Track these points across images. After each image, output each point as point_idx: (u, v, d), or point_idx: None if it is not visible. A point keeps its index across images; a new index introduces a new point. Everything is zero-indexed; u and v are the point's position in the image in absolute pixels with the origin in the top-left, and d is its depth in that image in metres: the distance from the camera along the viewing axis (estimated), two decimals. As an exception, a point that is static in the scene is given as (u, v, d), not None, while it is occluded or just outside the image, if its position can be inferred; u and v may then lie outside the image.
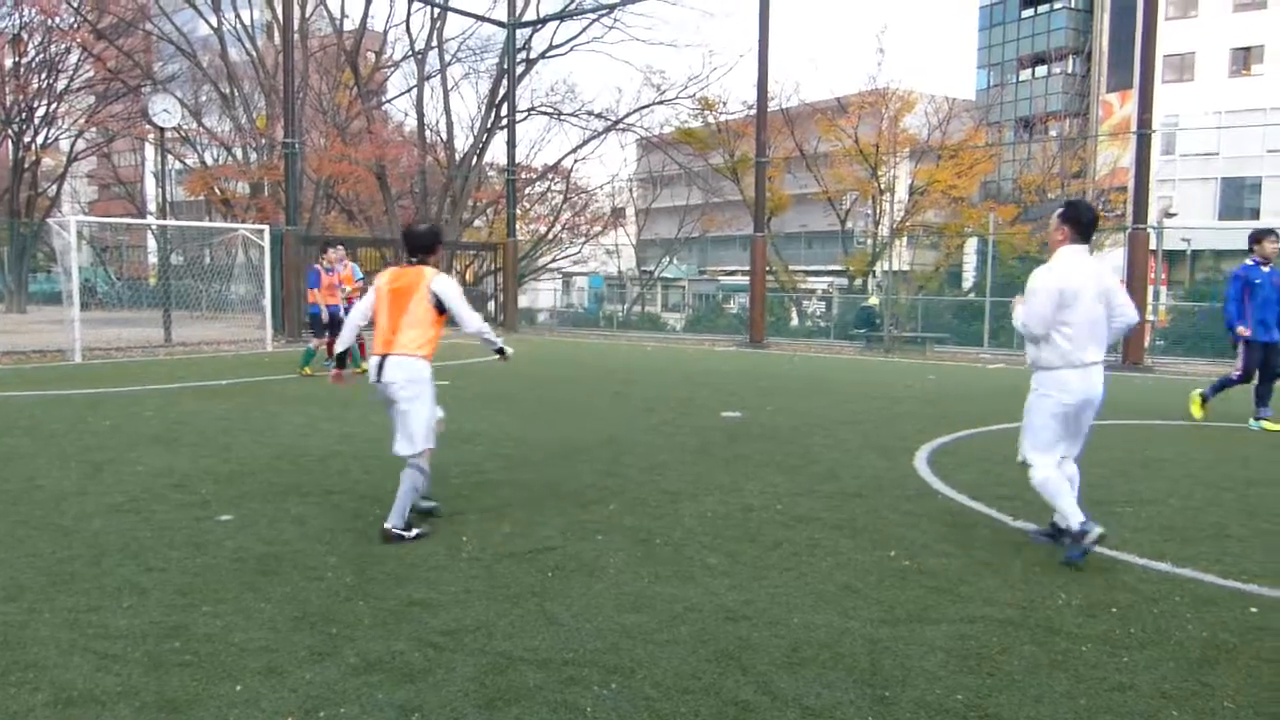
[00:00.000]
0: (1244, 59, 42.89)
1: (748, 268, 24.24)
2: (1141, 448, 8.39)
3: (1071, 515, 4.83)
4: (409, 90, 33.57)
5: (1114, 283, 5.02)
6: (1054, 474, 4.93)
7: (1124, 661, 3.66)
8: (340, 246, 15.14)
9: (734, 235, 44.22)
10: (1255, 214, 40.25)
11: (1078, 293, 4.81)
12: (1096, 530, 4.77)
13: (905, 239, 32.61)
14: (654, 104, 32.31)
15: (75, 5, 28.73)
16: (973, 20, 57.22)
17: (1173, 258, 36.30)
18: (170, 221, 23.44)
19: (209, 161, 35.37)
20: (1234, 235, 36.52)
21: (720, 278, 51.74)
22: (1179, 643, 3.85)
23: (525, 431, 8.84)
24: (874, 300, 23.72)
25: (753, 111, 24.37)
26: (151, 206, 45.85)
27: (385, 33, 33.58)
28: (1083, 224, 4.95)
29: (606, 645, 3.75)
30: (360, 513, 5.75)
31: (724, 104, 32.12)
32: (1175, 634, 3.94)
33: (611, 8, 28.91)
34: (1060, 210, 5.04)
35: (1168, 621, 4.09)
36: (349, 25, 31.93)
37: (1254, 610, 4.24)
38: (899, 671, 3.54)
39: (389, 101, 37.61)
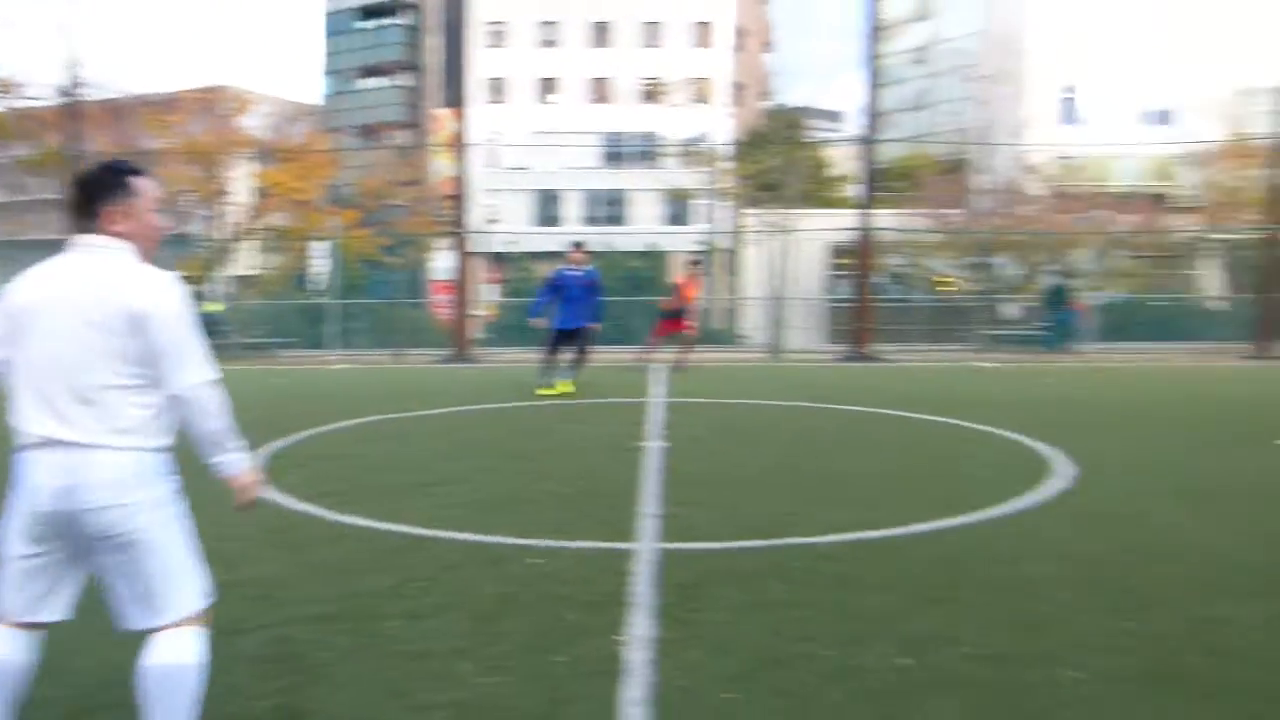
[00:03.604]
0: (547, 87, 49.69)
1: None
2: (460, 432, 9.23)
3: None
4: None
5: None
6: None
7: (424, 628, 3.95)
8: None
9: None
10: (558, 221, 46.98)
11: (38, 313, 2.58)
12: None
13: (255, 243, 31.53)
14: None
15: None
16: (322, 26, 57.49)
17: (505, 259, 40.57)
18: None
19: None
20: (544, 239, 42.33)
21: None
22: (474, 600, 4.28)
23: None
24: (214, 307, 22.42)
25: (66, 100, 21.62)
26: None
27: None
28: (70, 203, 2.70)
29: None
30: None
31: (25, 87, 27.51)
32: (470, 594, 4.38)
33: None
34: None
35: (464, 585, 4.53)
36: None
37: (539, 561, 4.89)
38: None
39: None
